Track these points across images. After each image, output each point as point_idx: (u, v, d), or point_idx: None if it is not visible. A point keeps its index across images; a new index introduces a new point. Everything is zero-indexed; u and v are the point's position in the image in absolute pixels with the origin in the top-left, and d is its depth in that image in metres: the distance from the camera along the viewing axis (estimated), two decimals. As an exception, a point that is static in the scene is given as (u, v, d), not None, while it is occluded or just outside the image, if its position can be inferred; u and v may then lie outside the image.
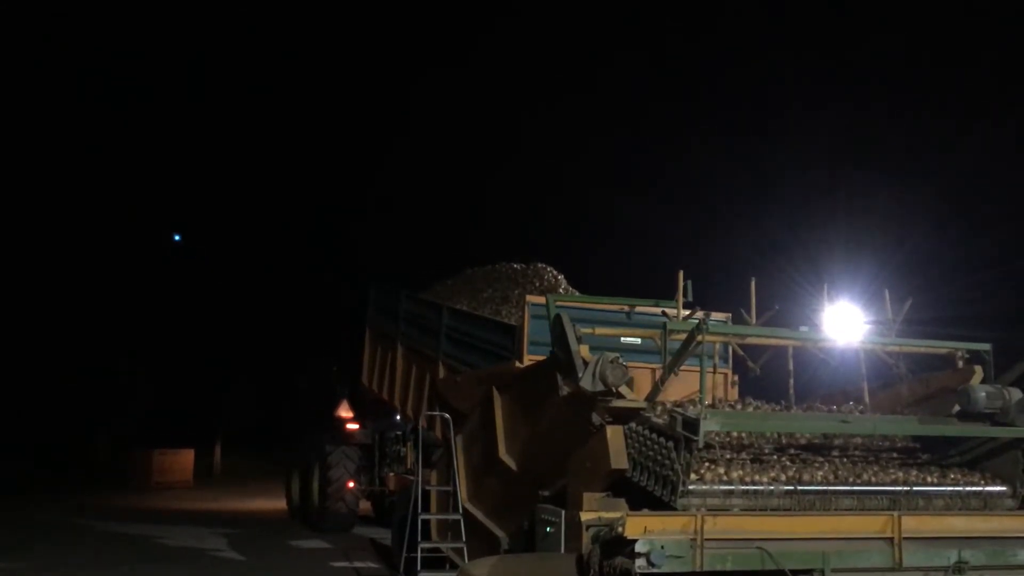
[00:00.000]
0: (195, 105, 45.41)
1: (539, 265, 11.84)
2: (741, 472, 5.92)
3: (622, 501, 5.97)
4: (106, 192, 39.31)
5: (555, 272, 11.55)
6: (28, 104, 38.62)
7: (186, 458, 30.36)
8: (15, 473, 25.81)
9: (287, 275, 40.16)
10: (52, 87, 41.68)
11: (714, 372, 8.12)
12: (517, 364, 8.07)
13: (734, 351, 8.73)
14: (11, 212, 35.84)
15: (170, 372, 38.00)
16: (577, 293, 10.89)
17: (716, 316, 9.19)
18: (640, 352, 8.06)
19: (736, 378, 8.92)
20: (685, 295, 7.84)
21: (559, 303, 8.53)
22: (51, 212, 37.69)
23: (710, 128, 39.49)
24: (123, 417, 35.54)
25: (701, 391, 5.90)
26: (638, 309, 8.91)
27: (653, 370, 7.38)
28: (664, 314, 7.67)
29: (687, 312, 7.96)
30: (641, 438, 5.96)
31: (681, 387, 6.88)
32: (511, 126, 43.59)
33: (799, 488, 5.91)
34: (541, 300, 8.72)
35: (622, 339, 8.73)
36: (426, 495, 9.75)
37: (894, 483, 6.18)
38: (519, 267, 11.84)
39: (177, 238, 39.80)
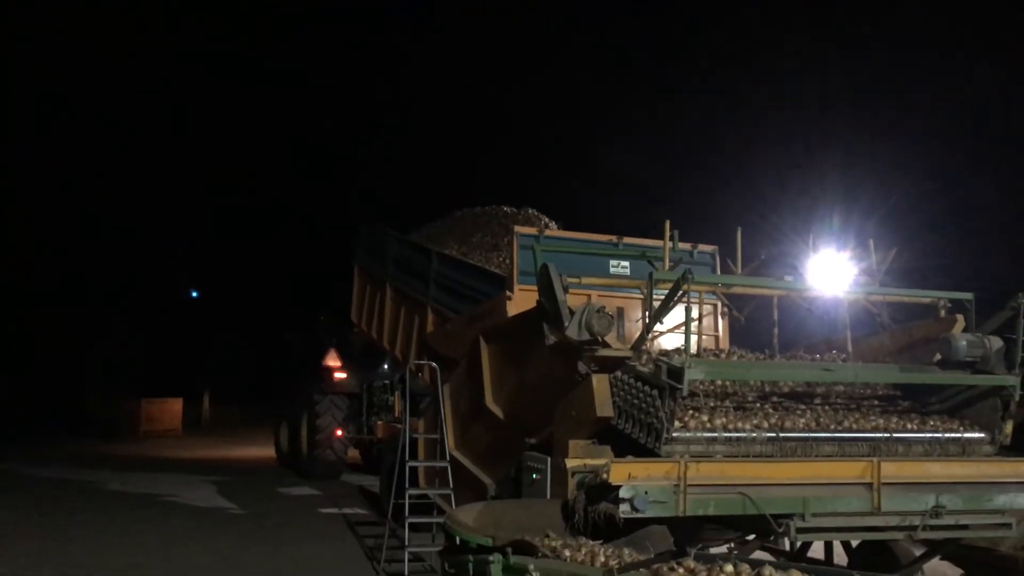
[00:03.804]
0: (192, 93, 45.04)
1: (531, 211, 11.80)
2: (724, 420, 5.97)
3: (607, 448, 6.04)
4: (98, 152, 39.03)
5: (547, 220, 11.51)
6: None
7: (174, 407, 30.45)
8: (4, 424, 25.84)
9: (275, 224, 40.00)
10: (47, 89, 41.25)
11: (700, 304, 8.09)
12: (508, 294, 8.10)
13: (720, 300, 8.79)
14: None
15: (159, 321, 37.97)
16: None
17: (703, 248, 9.22)
18: (630, 285, 8.05)
19: (726, 309, 8.95)
20: (672, 244, 7.84)
21: (548, 236, 8.57)
22: (44, 175, 37.44)
23: (698, 78, 39.21)
24: (113, 367, 35.56)
25: (686, 340, 5.90)
26: (626, 240, 8.96)
27: (643, 300, 7.35)
28: (650, 263, 7.66)
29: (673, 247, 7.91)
30: (626, 386, 6.00)
31: (671, 319, 6.80)
32: (503, 79, 43.20)
33: (781, 435, 5.95)
34: (531, 231, 8.75)
35: (611, 269, 8.78)
36: (414, 443, 9.83)
37: (874, 430, 6.23)
38: (510, 211, 11.78)
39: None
